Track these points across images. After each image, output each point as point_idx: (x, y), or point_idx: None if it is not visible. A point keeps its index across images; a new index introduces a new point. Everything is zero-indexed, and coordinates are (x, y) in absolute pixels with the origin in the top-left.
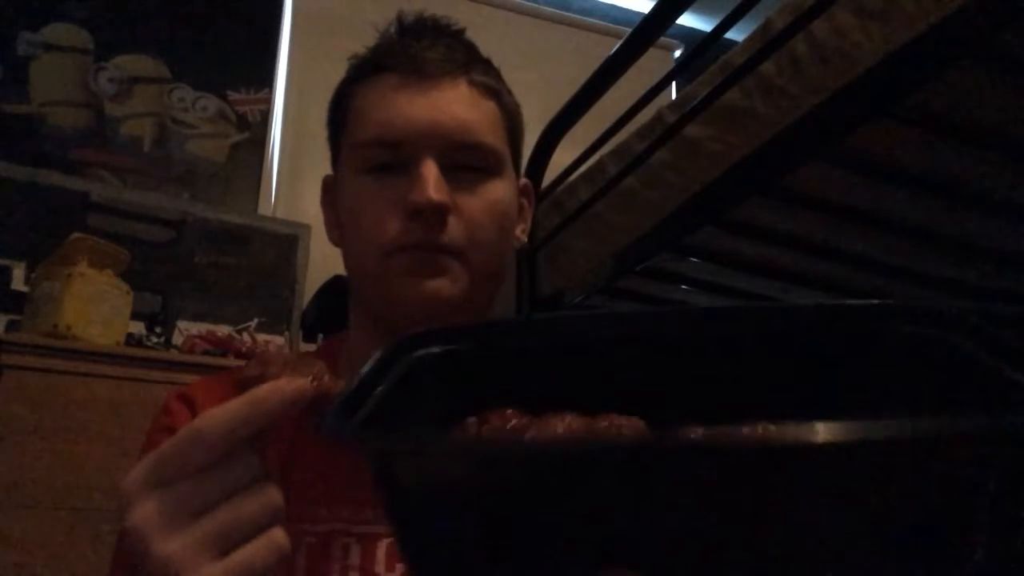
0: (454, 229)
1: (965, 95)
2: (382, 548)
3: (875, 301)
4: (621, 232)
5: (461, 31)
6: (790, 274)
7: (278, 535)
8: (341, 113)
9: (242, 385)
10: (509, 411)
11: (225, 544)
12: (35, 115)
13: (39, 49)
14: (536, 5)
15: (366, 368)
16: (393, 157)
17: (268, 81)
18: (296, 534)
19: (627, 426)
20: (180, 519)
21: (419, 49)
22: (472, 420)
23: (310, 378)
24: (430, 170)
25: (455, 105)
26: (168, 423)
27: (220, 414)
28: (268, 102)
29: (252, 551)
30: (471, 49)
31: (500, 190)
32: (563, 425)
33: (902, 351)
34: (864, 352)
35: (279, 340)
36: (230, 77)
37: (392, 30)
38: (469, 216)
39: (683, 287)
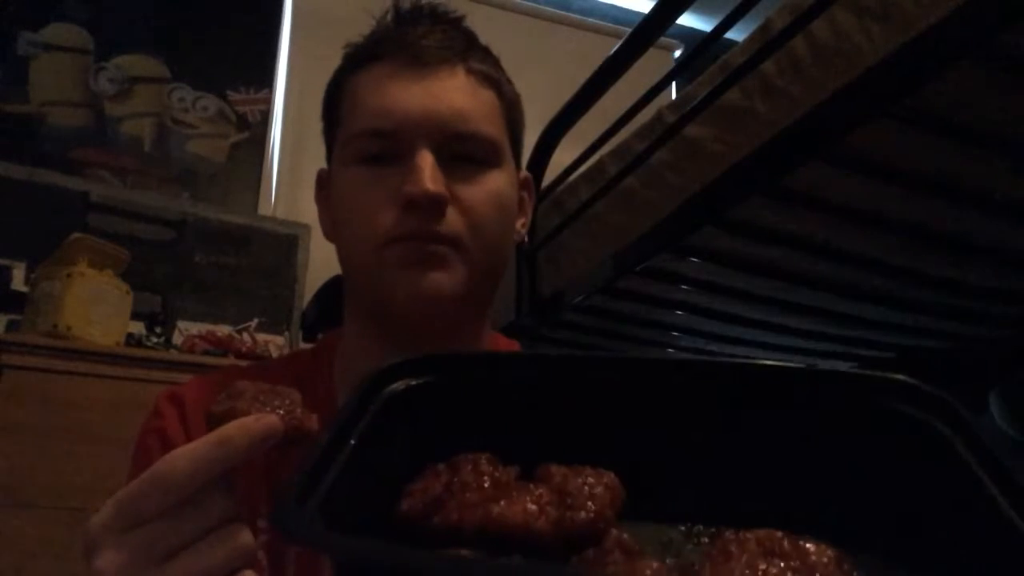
0: (452, 219)
1: (965, 95)
2: None
3: (864, 372)
4: (621, 232)
5: (460, 19)
6: (790, 274)
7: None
8: (336, 104)
9: (210, 421)
10: (483, 460)
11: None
12: (35, 115)
13: (39, 49)
14: (536, 5)
15: (339, 416)
16: (388, 147)
17: (268, 81)
18: None
19: (602, 485)
20: (146, 565)
21: (415, 36)
22: (442, 467)
23: (281, 412)
24: (425, 160)
25: (452, 93)
26: (158, 425)
27: (187, 454)
28: (268, 102)
29: None
30: (469, 36)
31: (499, 181)
32: (533, 499)
33: (881, 422)
34: (845, 418)
35: (279, 340)
36: (230, 77)
37: (388, 18)
38: (468, 206)
39: (683, 287)
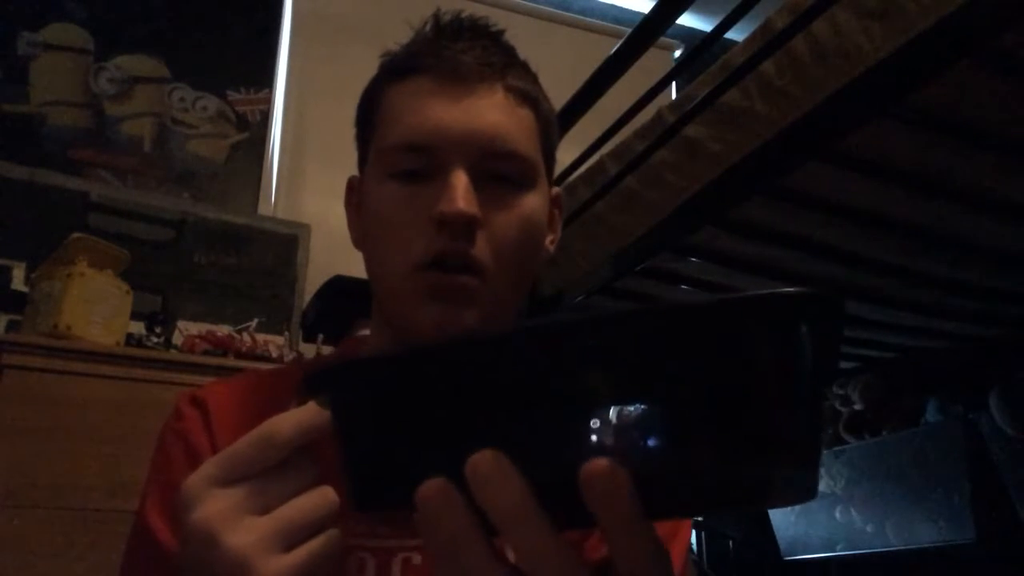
0: (481, 245)
1: (965, 95)
2: (397, 563)
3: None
4: (621, 232)
5: (499, 32)
6: (790, 274)
7: (336, 533)
8: (371, 113)
9: (301, 393)
10: None
11: (292, 539)
12: (35, 115)
13: (39, 49)
14: (536, 5)
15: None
16: (423, 163)
17: (268, 81)
18: None
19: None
20: (249, 515)
21: (455, 51)
22: None
23: None
24: (460, 179)
25: (490, 112)
26: (180, 427)
27: (291, 417)
28: (268, 102)
29: (315, 546)
30: (508, 52)
31: (532, 203)
32: None
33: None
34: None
35: (279, 340)
36: (230, 77)
37: (428, 28)
38: (498, 233)
39: (683, 287)
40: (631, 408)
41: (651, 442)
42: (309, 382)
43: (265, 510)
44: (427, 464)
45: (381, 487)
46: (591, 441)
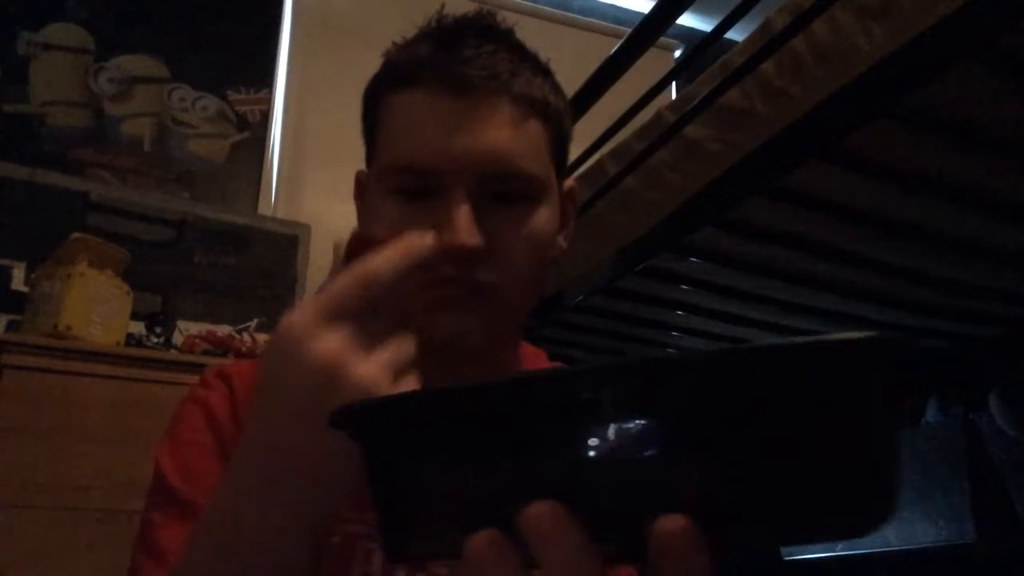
0: (487, 267)
1: (965, 95)
2: None
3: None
4: (621, 232)
5: (508, 32)
6: (790, 274)
7: (417, 375)
8: (372, 119)
9: (353, 246)
10: None
11: (404, 368)
12: (35, 115)
13: (39, 49)
14: (536, 5)
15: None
16: (423, 184)
17: (268, 81)
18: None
19: None
20: (357, 353)
21: (456, 61)
22: None
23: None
24: (462, 209)
25: (494, 131)
26: (203, 396)
27: (380, 258)
28: (268, 102)
29: (411, 383)
30: (517, 54)
31: (541, 218)
32: None
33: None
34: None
35: None
36: (230, 77)
37: (432, 23)
38: (504, 254)
39: (683, 287)
40: (693, 456)
41: (721, 489)
42: (337, 418)
43: (370, 348)
44: (470, 511)
45: (420, 534)
46: (655, 489)
